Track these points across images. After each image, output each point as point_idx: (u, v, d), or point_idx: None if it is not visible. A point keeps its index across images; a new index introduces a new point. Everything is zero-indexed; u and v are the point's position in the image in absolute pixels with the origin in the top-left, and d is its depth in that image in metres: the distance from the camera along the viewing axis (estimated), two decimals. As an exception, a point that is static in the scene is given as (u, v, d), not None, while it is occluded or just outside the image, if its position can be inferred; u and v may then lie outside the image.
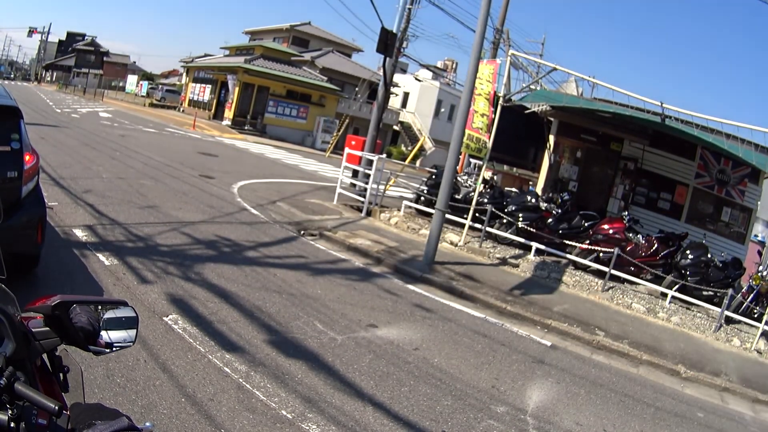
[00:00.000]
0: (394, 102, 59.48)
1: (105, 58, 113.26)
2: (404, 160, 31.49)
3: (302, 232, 14.48)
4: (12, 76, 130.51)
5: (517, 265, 14.88)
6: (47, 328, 2.25)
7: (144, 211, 13.09)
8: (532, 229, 16.34)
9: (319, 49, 60.37)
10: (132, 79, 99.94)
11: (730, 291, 13.72)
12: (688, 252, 15.32)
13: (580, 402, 7.84)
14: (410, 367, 7.62)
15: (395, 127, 61.10)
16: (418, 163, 50.21)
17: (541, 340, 10.14)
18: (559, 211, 16.94)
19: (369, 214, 18.12)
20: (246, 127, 48.24)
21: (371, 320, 9.15)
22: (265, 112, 50.36)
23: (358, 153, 20.62)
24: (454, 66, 73.32)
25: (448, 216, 14.73)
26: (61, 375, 2.31)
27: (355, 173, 21.13)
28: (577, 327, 10.91)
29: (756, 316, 14.05)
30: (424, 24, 78.54)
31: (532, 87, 18.65)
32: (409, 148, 50.53)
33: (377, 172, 18.39)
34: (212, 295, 8.68)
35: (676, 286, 14.83)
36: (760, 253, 22.23)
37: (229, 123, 48.82)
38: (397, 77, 41.49)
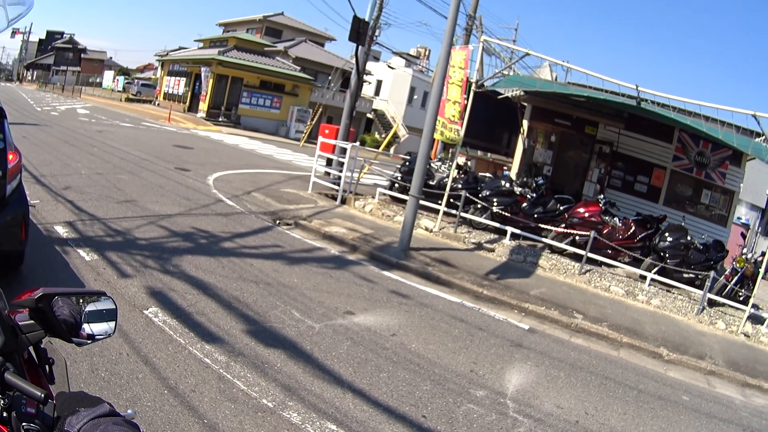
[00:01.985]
0: (368, 90, 59.65)
1: (82, 55, 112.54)
2: (378, 147, 31.44)
3: (278, 221, 14.55)
4: None
5: (492, 250, 14.95)
6: (32, 321, 2.28)
7: (122, 206, 13.12)
8: (507, 214, 16.42)
9: (292, 39, 60.32)
10: (108, 75, 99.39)
11: (712, 273, 13.82)
12: (666, 234, 15.34)
13: (560, 385, 7.87)
14: (388, 353, 7.67)
15: (369, 115, 61.20)
16: (392, 150, 50.26)
17: (519, 324, 10.18)
18: (534, 195, 16.94)
19: (344, 202, 18.18)
20: (220, 119, 48.15)
21: (348, 307, 9.20)
22: (239, 103, 50.26)
23: (332, 141, 20.67)
24: (427, 53, 73.37)
25: (422, 202, 14.79)
26: (47, 367, 2.36)
27: (329, 162, 21.16)
28: (555, 310, 10.94)
29: (741, 299, 14.09)
30: (396, 12, 78.88)
31: (505, 72, 18.67)
32: (383, 136, 50.46)
33: (351, 160, 18.48)
34: (190, 287, 8.72)
35: (656, 269, 14.89)
36: (743, 236, 22.32)
37: (204, 115, 48.60)
38: (370, 65, 41.44)
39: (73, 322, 2.38)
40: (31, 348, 2.32)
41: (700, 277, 14.70)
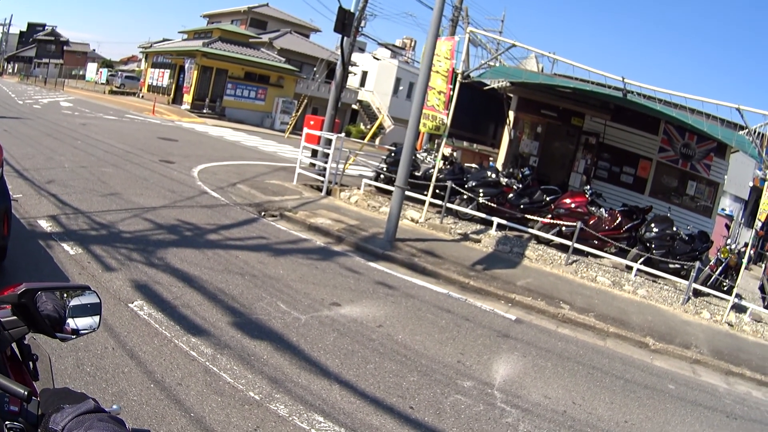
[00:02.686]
0: (353, 81, 59.71)
1: (65, 47, 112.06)
2: (364, 138, 31.51)
3: (263, 213, 14.55)
4: None
5: (478, 241, 14.99)
6: (15, 317, 2.24)
7: (106, 199, 13.09)
8: (493, 205, 16.44)
9: (277, 30, 60.23)
10: (92, 67, 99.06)
11: (697, 264, 13.88)
12: (652, 225, 15.44)
13: (547, 375, 7.92)
14: (375, 344, 7.69)
15: (354, 106, 61.29)
16: (377, 141, 50.34)
17: (506, 314, 10.21)
18: (520, 186, 17.01)
19: (329, 193, 18.19)
20: (205, 111, 48.05)
21: (334, 299, 9.21)
22: (224, 95, 50.14)
23: (317, 133, 20.64)
24: (412, 44, 73.67)
25: (408, 193, 14.88)
26: (30, 363, 2.34)
27: (314, 153, 21.19)
28: (541, 301, 10.99)
29: (725, 288, 14.26)
30: (382, 2, 78.67)
31: (491, 63, 18.65)
32: (369, 127, 50.58)
33: (336, 152, 18.46)
34: (176, 280, 8.71)
35: (641, 259, 14.99)
36: (727, 227, 22.54)
37: (188, 107, 48.46)
38: (356, 56, 41.54)
39: (57, 317, 2.36)
40: (14, 344, 2.29)
41: (685, 267, 14.79)
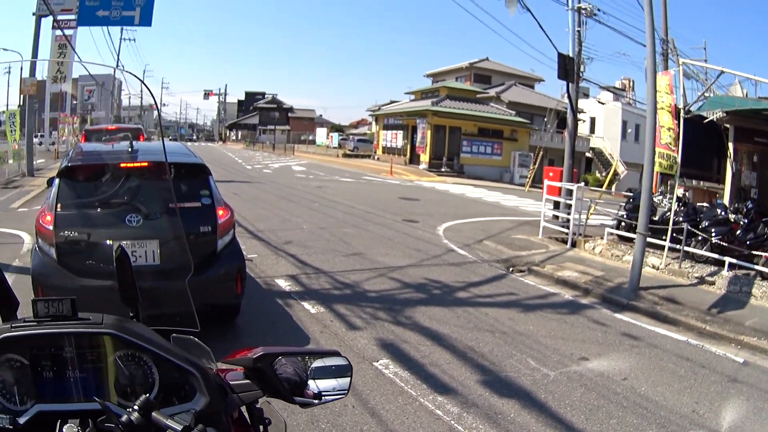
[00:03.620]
0: (583, 128, 58.97)
1: (290, 114, 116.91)
2: (600, 186, 31.36)
3: (510, 268, 14.80)
4: (194, 137, 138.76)
5: (713, 283, 14.75)
6: (247, 381, 2.32)
7: (349, 259, 13.84)
8: (724, 243, 16.02)
9: (501, 84, 61.56)
10: (321, 132, 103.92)
11: None
12: None
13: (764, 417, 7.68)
14: (619, 398, 7.57)
15: (587, 154, 60.40)
16: (613, 188, 49.97)
17: (735, 358, 9.94)
18: (746, 221, 16.47)
19: (574, 245, 18.39)
20: (443, 169, 49.30)
21: (582, 353, 9.20)
22: (460, 152, 51.43)
23: (557, 184, 20.85)
24: (631, 84, 71.81)
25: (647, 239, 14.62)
26: (261, 427, 2.38)
27: (556, 205, 21.20)
28: (765, 340, 10.60)
29: None
30: (594, 45, 77.61)
31: (707, 94, 18.55)
32: (604, 175, 49.91)
33: (578, 202, 18.54)
34: (424, 338, 8.96)
35: None
36: None
37: (426, 166, 50.13)
38: (582, 103, 41.42)
39: (298, 380, 2.34)
40: (243, 408, 2.35)
41: None
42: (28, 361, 2.04)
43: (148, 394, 2.01)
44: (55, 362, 2.06)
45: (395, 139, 60.43)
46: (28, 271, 8.16)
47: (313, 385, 2.37)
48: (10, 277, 10.93)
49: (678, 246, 16.19)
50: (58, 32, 37.25)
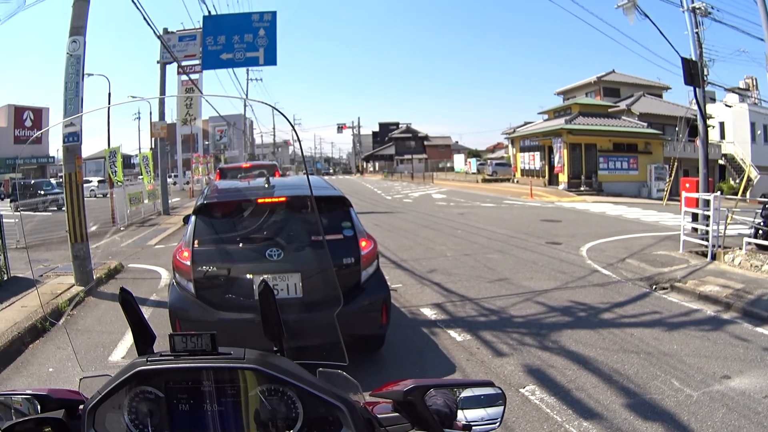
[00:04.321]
0: (713, 134, 57.04)
1: (425, 142, 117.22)
2: (735, 194, 30.54)
3: (653, 286, 14.24)
4: (331, 171, 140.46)
5: None
6: (396, 414, 2.26)
7: (494, 285, 13.61)
8: None
9: (630, 96, 60.50)
10: (459, 158, 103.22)
11: None
12: None
13: None
14: (759, 417, 7.15)
15: (720, 161, 58.41)
16: (748, 194, 48.57)
17: None
18: None
19: (714, 257, 17.83)
20: (582, 188, 48.79)
21: (724, 371, 8.58)
22: (598, 170, 50.52)
23: (695, 195, 20.35)
24: (754, 83, 68.76)
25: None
26: None
27: (694, 217, 20.45)
28: None
29: None
30: (712, 44, 75.15)
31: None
32: (737, 181, 48.43)
33: (716, 212, 18.01)
34: (570, 362, 8.76)
35: None
36: None
37: (565, 186, 49.60)
38: (709, 108, 40.31)
39: (448, 412, 2.26)
40: None
41: None
42: (164, 394, 2.10)
43: (290, 430, 2.10)
44: (192, 396, 2.11)
45: (533, 160, 59.35)
46: (165, 306, 8.48)
47: (462, 415, 2.31)
48: (147, 311, 11.79)
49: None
50: (184, 77, 39.40)
